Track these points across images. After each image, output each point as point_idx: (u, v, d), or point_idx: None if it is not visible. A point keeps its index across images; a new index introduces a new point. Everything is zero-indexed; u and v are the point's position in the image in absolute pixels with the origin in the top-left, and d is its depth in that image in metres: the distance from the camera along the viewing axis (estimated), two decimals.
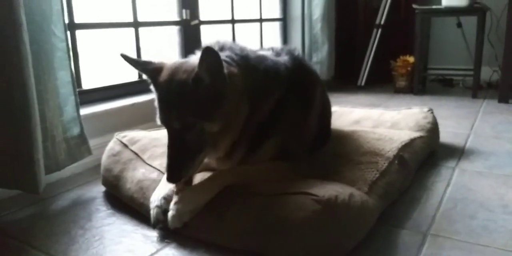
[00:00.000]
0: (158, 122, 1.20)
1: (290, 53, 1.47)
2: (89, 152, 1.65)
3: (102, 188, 1.59)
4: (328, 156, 1.51)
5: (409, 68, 3.43)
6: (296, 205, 1.10)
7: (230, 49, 1.29)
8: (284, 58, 1.42)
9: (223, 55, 1.22)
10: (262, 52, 1.44)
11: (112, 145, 1.58)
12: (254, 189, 1.22)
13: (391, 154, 1.51)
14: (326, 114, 1.70)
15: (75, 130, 1.60)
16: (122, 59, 1.26)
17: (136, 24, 2.19)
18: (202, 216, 1.19)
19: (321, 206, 1.07)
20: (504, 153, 1.91)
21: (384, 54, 3.58)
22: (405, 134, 1.75)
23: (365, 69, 3.63)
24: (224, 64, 1.16)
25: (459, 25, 3.62)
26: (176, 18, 2.47)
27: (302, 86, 1.43)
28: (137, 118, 1.95)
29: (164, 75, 1.19)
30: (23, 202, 1.49)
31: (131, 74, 2.22)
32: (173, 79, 1.17)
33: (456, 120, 2.53)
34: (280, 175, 1.28)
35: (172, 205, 1.19)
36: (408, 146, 1.65)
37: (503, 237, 1.19)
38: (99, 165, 1.63)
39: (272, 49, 1.50)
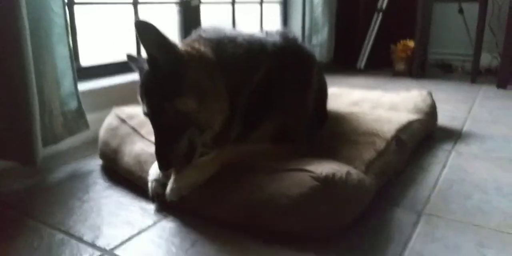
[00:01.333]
0: (143, 116, 1.23)
1: (283, 34, 1.45)
2: (86, 126, 1.65)
3: (100, 162, 1.59)
4: (325, 136, 1.52)
5: (409, 52, 3.42)
6: (293, 182, 1.10)
7: (204, 31, 1.30)
8: (274, 38, 1.41)
9: (194, 36, 1.27)
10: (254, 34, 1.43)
11: (110, 119, 1.58)
12: (251, 166, 1.22)
13: (388, 135, 1.51)
14: (322, 95, 1.69)
15: (73, 104, 1.59)
16: (123, 36, 1.26)
17: (135, 1, 2.15)
18: (199, 191, 1.19)
19: (319, 183, 1.08)
20: (500, 137, 1.92)
21: (384, 38, 3.56)
22: (403, 116, 1.76)
23: (365, 52, 3.61)
24: (187, 42, 1.22)
25: (461, 11, 3.59)
26: None
27: (296, 64, 1.42)
28: (135, 95, 1.93)
29: None
30: (21, 174, 1.49)
31: (130, 51, 2.19)
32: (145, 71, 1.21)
33: (454, 104, 2.54)
34: (280, 155, 1.28)
35: (172, 179, 1.19)
36: (406, 128, 1.65)
37: (496, 217, 1.21)
38: (96, 139, 1.62)
39: (266, 32, 1.48)
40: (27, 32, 1.29)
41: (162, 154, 1.14)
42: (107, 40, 2.15)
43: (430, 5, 3.59)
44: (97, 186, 1.41)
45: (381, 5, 3.52)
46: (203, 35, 1.28)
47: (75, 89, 1.59)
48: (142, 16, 2.21)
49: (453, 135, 1.96)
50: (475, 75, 3.22)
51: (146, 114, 1.20)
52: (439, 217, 1.21)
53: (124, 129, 1.50)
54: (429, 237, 1.11)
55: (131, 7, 2.17)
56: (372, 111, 1.86)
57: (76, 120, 1.60)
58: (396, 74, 3.49)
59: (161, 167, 1.15)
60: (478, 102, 2.61)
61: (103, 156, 1.53)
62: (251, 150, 1.29)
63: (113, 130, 1.51)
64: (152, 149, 1.34)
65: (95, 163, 1.60)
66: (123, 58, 2.09)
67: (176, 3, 2.44)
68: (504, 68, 2.98)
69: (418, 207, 1.27)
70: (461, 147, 1.80)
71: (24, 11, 1.27)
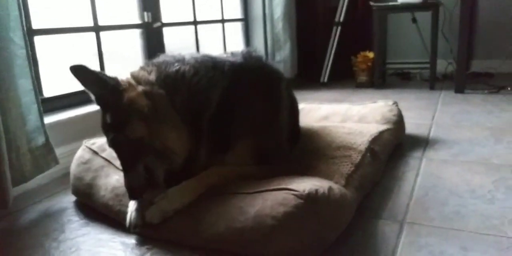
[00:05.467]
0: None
1: (247, 53, 1.47)
2: (56, 161, 1.59)
3: (73, 198, 1.53)
4: (301, 152, 1.53)
5: (369, 64, 3.52)
6: (277, 201, 1.10)
7: (157, 57, 1.36)
8: (236, 57, 1.42)
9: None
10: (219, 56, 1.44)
11: (81, 153, 1.53)
12: (232, 188, 1.21)
13: (362, 147, 1.54)
14: (294, 111, 1.71)
15: (40, 140, 1.54)
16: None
17: (97, 28, 2.12)
18: (182, 220, 1.17)
19: (303, 200, 1.08)
20: (466, 141, 2.00)
21: (344, 50, 3.66)
22: (373, 127, 1.80)
23: (327, 66, 3.69)
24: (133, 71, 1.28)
25: (414, 20, 3.75)
26: (137, 21, 2.42)
27: (261, 82, 1.42)
28: None
29: None
30: None
31: None
32: None
33: (417, 112, 2.62)
34: (265, 176, 1.27)
35: (157, 200, 1.18)
36: (377, 139, 1.69)
37: (474, 220, 1.25)
38: (66, 174, 1.57)
39: (231, 53, 1.50)
40: None
41: (130, 184, 1.18)
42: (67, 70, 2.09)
43: (384, 16, 3.73)
44: (73, 224, 1.35)
45: (339, 19, 3.63)
46: (151, 61, 1.32)
47: (41, 123, 1.54)
48: (105, 43, 2.18)
49: (421, 142, 2.02)
50: (433, 81, 3.35)
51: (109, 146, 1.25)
52: (421, 225, 1.24)
53: (97, 161, 1.46)
54: (414, 245, 1.13)
55: (93, 34, 2.13)
56: (343, 124, 1.89)
57: (45, 156, 1.54)
58: (359, 85, 3.59)
59: (129, 196, 1.19)
60: (439, 108, 2.71)
61: (77, 191, 1.48)
62: (235, 173, 1.29)
63: (85, 164, 1.46)
64: None
65: (68, 199, 1.53)
66: None
67: (137, 26, 2.43)
68: (460, 74, 3.12)
69: (399, 217, 1.29)
70: (430, 154, 1.85)
71: None
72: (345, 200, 1.20)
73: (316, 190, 1.11)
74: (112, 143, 1.22)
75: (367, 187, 1.43)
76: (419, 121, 2.40)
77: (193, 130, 1.25)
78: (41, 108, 1.54)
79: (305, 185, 1.14)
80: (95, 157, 1.48)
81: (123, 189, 1.29)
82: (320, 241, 1.10)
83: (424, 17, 3.57)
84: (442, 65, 3.69)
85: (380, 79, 3.56)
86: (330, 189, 1.16)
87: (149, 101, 1.20)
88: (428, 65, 3.38)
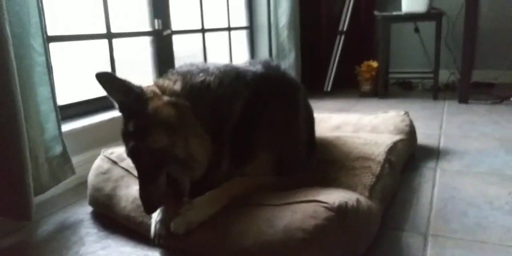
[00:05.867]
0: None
1: (265, 63, 1.47)
2: (72, 171, 1.56)
3: (88, 209, 1.50)
4: (319, 163, 1.52)
5: (373, 73, 3.54)
6: (307, 214, 1.09)
7: (179, 66, 1.36)
8: (256, 66, 1.43)
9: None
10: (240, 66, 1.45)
11: (100, 162, 1.50)
12: (259, 200, 1.20)
13: (380, 158, 1.54)
14: (310, 120, 1.71)
15: (57, 149, 1.51)
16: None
17: (109, 36, 2.11)
18: (207, 232, 1.16)
19: (333, 213, 1.07)
20: (476, 152, 2.01)
21: (347, 59, 3.68)
22: (387, 138, 1.80)
23: (331, 75, 3.70)
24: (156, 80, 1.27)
25: (417, 30, 3.79)
26: (148, 28, 2.42)
27: (281, 92, 1.42)
28: (116, 133, 1.87)
29: None
30: (4, 229, 1.37)
31: None
32: None
33: (424, 122, 2.62)
34: (287, 187, 1.27)
35: (183, 211, 1.17)
36: (393, 149, 1.69)
37: (496, 232, 1.25)
38: (80, 184, 1.54)
39: (249, 62, 1.51)
40: (15, 74, 1.23)
41: (146, 196, 1.15)
42: (78, 77, 2.08)
43: (388, 26, 3.76)
44: (92, 237, 1.32)
45: (343, 28, 3.65)
46: (175, 70, 1.31)
47: (59, 132, 1.52)
48: (116, 50, 2.17)
49: (433, 153, 2.02)
50: (437, 92, 3.37)
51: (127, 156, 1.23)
52: (444, 237, 1.24)
53: (117, 171, 1.44)
54: None
55: (105, 41, 2.12)
56: (356, 134, 1.89)
57: (62, 166, 1.51)
58: (362, 94, 3.60)
59: (145, 209, 1.15)
60: (445, 118, 2.73)
61: (95, 202, 1.45)
62: (257, 183, 1.28)
63: (104, 174, 1.44)
64: None
65: (84, 210, 1.50)
66: (99, 94, 2.06)
67: (148, 34, 2.42)
68: (464, 84, 3.14)
69: (421, 229, 1.29)
70: (443, 164, 1.86)
71: (11, 50, 1.20)
72: (372, 212, 1.20)
73: (346, 203, 1.11)
74: (131, 152, 1.20)
75: (387, 199, 1.43)
76: (427, 131, 2.41)
77: (215, 139, 1.24)
78: (59, 117, 1.52)
79: (334, 197, 1.13)
80: (115, 167, 1.46)
81: None
82: (350, 254, 1.10)
83: (426, 27, 3.61)
84: (445, 75, 3.72)
85: (383, 88, 3.58)
86: (358, 201, 1.15)
87: (174, 111, 1.19)
88: (430, 75, 3.41)
